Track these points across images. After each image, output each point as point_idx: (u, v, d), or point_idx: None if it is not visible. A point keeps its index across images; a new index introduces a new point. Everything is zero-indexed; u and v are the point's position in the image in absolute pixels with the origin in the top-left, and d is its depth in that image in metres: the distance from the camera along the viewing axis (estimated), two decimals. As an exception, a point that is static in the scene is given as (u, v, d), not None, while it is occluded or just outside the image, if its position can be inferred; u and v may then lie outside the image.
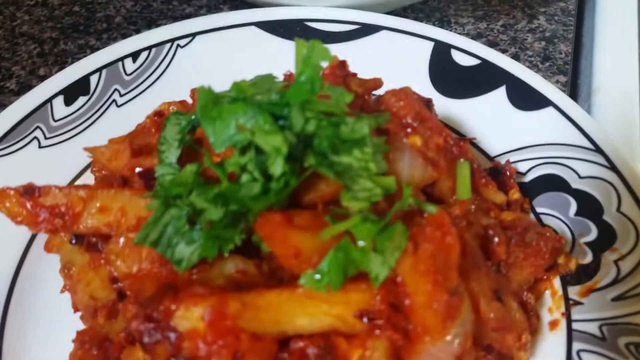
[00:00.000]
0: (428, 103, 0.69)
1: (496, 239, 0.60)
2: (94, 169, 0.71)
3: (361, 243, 0.49)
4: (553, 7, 1.12)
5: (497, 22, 1.10)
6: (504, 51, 1.03)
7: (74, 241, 0.63)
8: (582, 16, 1.15)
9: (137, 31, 1.14)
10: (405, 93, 0.64)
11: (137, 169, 0.63)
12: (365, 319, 0.50)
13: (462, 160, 0.64)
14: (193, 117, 0.61)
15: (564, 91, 0.93)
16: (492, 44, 1.05)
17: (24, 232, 0.77)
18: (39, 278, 0.76)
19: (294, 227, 0.49)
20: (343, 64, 0.68)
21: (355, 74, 0.72)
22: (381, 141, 0.58)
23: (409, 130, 0.61)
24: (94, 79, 0.92)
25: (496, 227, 0.61)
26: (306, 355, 0.50)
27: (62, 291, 0.73)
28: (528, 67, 0.94)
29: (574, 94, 0.99)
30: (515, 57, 1.01)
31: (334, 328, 0.51)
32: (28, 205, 0.60)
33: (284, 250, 0.49)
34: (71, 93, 0.90)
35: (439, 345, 0.50)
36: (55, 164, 0.84)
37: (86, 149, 0.67)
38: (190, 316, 0.48)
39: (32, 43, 1.15)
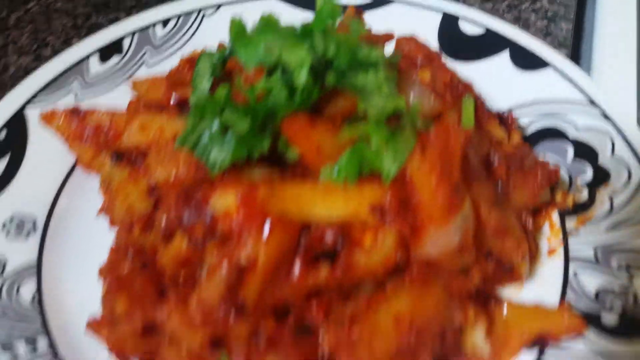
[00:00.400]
0: (437, 54, 0.76)
1: (496, 161, 0.67)
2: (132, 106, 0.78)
3: (375, 144, 0.56)
4: (555, -13, 1.19)
5: (502, 3, 1.17)
6: (508, 27, 1.10)
7: (114, 159, 0.70)
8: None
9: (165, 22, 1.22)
10: (415, 39, 0.71)
11: (174, 99, 0.70)
12: (377, 213, 0.57)
13: (467, 95, 0.70)
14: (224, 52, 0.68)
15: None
16: (497, 22, 1.12)
17: (65, 162, 0.86)
18: (77, 204, 0.83)
19: (316, 126, 0.56)
20: (359, 13, 0.75)
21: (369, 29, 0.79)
22: (393, 74, 0.65)
23: (417, 66, 0.68)
24: (127, 41, 1.00)
25: (496, 152, 0.67)
26: (324, 239, 0.56)
27: (99, 213, 0.80)
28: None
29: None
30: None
31: (349, 220, 0.57)
32: (75, 124, 0.67)
33: (307, 146, 0.56)
34: (106, 52, 0.98)
35: (442, 235, 0.56)
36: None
37: (131, 84, 0.74)
38: (224, 200, 0.54)
39: (66, 17, 1.24)
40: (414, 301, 0.58)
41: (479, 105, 0.72)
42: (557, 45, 1.08)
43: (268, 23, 0.61)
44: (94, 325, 0.65)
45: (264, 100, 0.56)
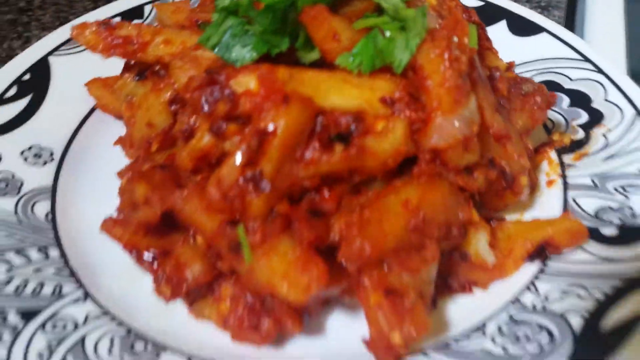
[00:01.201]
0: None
1: (497, 75, 0.71)
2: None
3: (388, 34, 0.60)
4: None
5: (497, -4, 1.25)
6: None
7: (138, 77, 0.74)
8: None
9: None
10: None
11: (197, 21, 0.75)
12: (387, 104, 0.61)
13: (471, 24, 0.75)
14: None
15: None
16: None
17: (84, 105, 0.90)
18: (93, 141, 0.87)
19: (334, 16, 0.61)
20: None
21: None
22: (403, -4, 0.71)
23: (426, -7, 0.74)
24: (147, 8, 1.06)
25: (497, 70, 0.72)
26: (339, 123, 0.59)
27: (115, 144, 0.84)
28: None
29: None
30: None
31: (363, 109, 0.61)
32: (104, 34, 0.72)
33: (324, 33, 0.60)
34: (128, 15, 1.04)
35: (449, 122, 0.60)
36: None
37: (154, 5, 0.79)
38: (247, 79, 0.58)
39: (88, 0, 1.31)
40: (422, 191, 0.61)
41: (481, 34, 0.77)
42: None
43: None
44: (108, 224, 0.67)
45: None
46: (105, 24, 0.73)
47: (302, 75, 0.60)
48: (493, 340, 0.61)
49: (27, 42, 1.20)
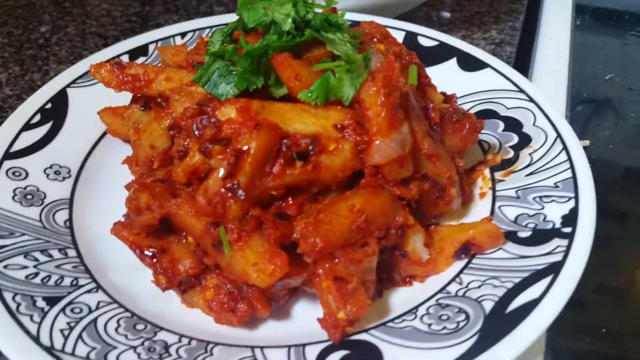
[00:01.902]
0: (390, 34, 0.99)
1: (431, 106, 0.87)
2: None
3: (338, 75, 0.77)
4: (503, 25, 1.46)
5: (457, 34, 1.43)
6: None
7: (143, 108, 0.91)
8: (529, 31, 1.49)
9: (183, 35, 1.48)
10: (375, 22, 0.95)
11: (192, 62, 0.92)
12: (338, 129, 0.77)
13: (412, 64, 0.92)
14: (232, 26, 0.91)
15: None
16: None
17: (96, 131, 1.07)
18: (104, 161, 1.03)
19: (297, 61, 0.77)
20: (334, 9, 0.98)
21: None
22: (356, 42, 0.87)
23: (375, 40, 0.91)
24: (152, 47, 1.23)
25: (432, 102, 0.88)
26: (299, 143, 0.75)
27: (123, 162, 1.00)
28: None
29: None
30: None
31: (319, 133, 0.77)
32: (117, 73, 0.89)
33: (289, 74, 0.76)
34: (134, 53, 1.21)
35: (386, 144, 0.76)
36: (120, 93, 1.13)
37: (158, 48, 0.96)
38: (228, 110, 0.74)
39: (99, 38, 1.49)
40: (366, 199, 0.77)
41: (421, 72, 0.94)
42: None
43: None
44: (117, 227, 0.83)
45: (259, 43, 0.78)
46: (118, 64, 0.90)
47: (272, 107, 0.77)
48: (421, 319, 0.76)
49: (45, 75, 1.37)
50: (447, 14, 1.57)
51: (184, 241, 0.81)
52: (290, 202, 0.77)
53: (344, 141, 0.76)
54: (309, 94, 0.76)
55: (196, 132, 0.76)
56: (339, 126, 0.77)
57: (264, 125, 0.73)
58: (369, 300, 0.73)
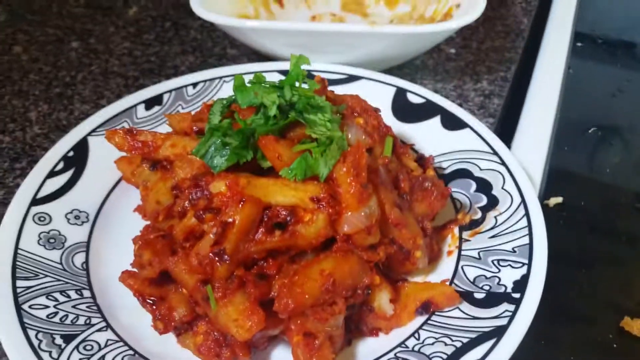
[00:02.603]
0: (376, 110, 1.11)
1: (401, 177, 0.98)
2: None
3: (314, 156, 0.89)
4: (495, 75, 1.55)
5: (450, 84, 1.53)
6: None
7: (151, 168, 1.04)
8: (520, 83, 1.58)
9: (194, 85, 1.61)
10: (357, 96, 1.07)
11: (195, 128, 1.05)
12: (314, 201, 0.89)
13: (388, 136, 1.03)
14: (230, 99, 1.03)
15: (490, 127, 1.34)
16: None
17: (113, 177, 1.20)
18: (119, 206, 1.17)
19: (279, 143, 0.89)
20: (323, 81, 1.10)
21: (332, 91, 1.14)
22: (338, 118, 0.99)
23: (356, 114, 1.02)
24: (166, 96, 1.36)
25: (403, 172, 0.99)
26: (279, 214, 0.87)
27: (134, 210, 1.14)
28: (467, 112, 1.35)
29: (500, 132, 1.38)
30: (459, 105, 1.42)
31: (297, 205, 0.89)
32: (129, 139, 1.02)
33: (272, 154, 0.89)
34: (149, 102, 1.34)
35: (355, 217, 0.87)
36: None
37: (165, 115, 1.10)
38: (219, 184, 0.87)
39: (120, 78, 1.63)
40: (336, 263, 0.89)
41: (396, 142, 1.05)
42: (487, 115, 1.42)
43: (258, 79, 0.97)
44: (124, 276, 0.96)
45: (250, 125, 0.90)
46: (130, 131, 1.03)
47: (256, 182, 0.89)
48: (379, 371, 0.88)
49: (70, 114, 1.51)
50: (449, 51, 1.67)
51: (180, 290, 0.94)
52: (271, 263, 0.89)
53: (318, 212, 0.88)
54: (289, 172, 0.88)
55: (192, 202, 0.89)
56: (315, 199, 0.89)
57: (248, 200, 0.85)
58: (333, 355, 0.85)
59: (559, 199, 1.27)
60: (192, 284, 0.89)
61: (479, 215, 1.09)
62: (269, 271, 0.89)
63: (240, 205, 0.85)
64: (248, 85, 0.97)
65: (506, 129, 1.43)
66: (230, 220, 0.85)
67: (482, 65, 1.61)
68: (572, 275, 1.20)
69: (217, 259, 0.85)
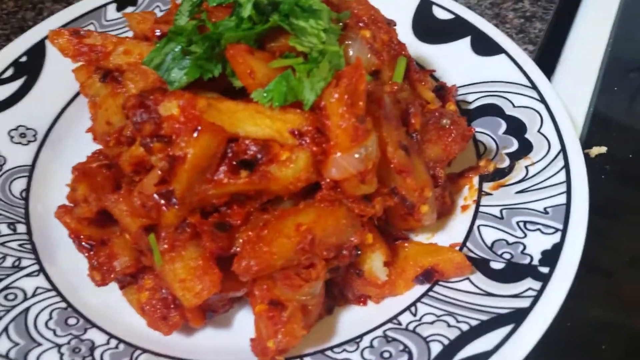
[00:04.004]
0: (390, 22, 0.87)
1: (412, 110, 0.77)
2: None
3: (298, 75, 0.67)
4: (539, -5, 1.28)
5: (485, 0, 1.27)
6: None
7: (102, 80, 0.84)
8: (567, 6, 1.31)
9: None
10: (366, 1, 0.83)
11: (157, 32, 0.83)
12: (295, 136, 0.68)
13: (401, 56, 0.81)
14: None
15: (531, 57, 1.09)
16: (477, 16, 1.22)
17: (70, 90, 1.00)
18: (73, 125, 0.98)
19: (254, 55, 0.68)
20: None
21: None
22: (337, 28, 0.76)
23: (361, 25, 0.79)
24: (141, -6, 1.14)
25: (415, 105, 0.78)
26: (247, 150, 0.67)
27: (87, 131, 0.94)
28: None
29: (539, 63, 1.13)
30: (495, 27, 1.17)
31: (273, 138, 0.68)
32: (74, 41, 0.81)
33: (243, 69, 0.67)
34: (122, 2, 1.12)
35: (346, 159, 0.67)
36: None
37: (124, 14, 0.88)
38: (170, 105, 0.66)
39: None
40: (318, 216, 0.69)
41: (411, 65, 0.82)
42: (527, 41, 1.17)
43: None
44: (61, 212, 0.78)
45: (216, 27, 0.69)
46: (76, 32, 0.82)
47: (220, 105, 0.68)
48: (362, 353, 0.70)
49: (39, 15, 1.30)
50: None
51: (125, 236, 0.76)
52: (236, 210, 0.70)
53: (299, 150, 0.68)
54: (264, 95, 0.67)
55: (135, 126, 0.69)
56: (296, 132, 0.68)
57: (206, 129, 0.65)
58: (303, 331, 0.67)
59: (603, 149, 1.04)
60: (135, 230, 0.71)
61: (506, 163, 0.87)
62: (232, 220, 0.70)
63: (195, 135, 0.65)
64: (221, -23, 0.74)
65: (547, 60, 1.17)
66: (181, 153, 0.65)
67: (527, -19, 1.33)
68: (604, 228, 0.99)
69: (163, 201, 0.66)
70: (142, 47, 0.81)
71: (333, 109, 0.66)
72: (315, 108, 0.69)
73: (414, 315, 0.73)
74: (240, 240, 0.69)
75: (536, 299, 0.69)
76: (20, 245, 0.81)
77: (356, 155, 0.67)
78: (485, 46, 1.01)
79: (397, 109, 0.76)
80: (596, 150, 1.01)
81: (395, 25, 0.89)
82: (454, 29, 1.05)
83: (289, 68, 0.68)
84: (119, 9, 1.12)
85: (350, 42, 0.78)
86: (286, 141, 0.69)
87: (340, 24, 0.79)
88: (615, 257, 0.92)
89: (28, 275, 0.78)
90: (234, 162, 0.67)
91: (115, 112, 0.82)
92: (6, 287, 0.75)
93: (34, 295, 0.76)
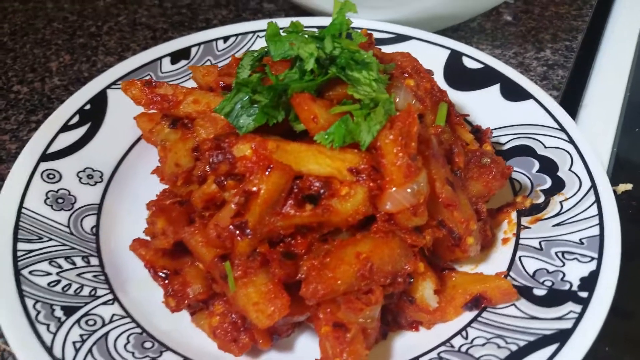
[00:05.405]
0: (429, 71, 0.96)
1: (456, 150, 0.84)
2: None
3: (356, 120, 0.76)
4: (560, 44, 1.38)
5: (510, 50, 1.36)
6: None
7: (171, 126, 0.93)
8: (586, 54, 1.40)
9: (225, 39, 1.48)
10: (408, 54, 0.92)
11: (221, 84, 0.92)
12: (353, 173, 0.76)
13: (443, 102, 0.89)
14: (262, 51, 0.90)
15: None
16: (502, 66, 1.31)
17: (132, 135, 1.09)
18: (136, 166, 1.06)
19: (316, 102, 0.76)
20: (370, 36, 0.96)
21: (379, 48, 1.00)
22: (385, 79, 0.85)
23: (406, 75, 0.88)
24: (194, 49, 1.24)
25: (458, 145, 0.85)
26: (311, 186, 0.75)
27: (152, 172, 1.03)
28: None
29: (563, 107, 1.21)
30: (520, 74, 1.26)
31: (333, 175, 0.76)
32: (147, 92, 0.91)
33: (307, 115, 0.76)
34: (176, 55, 1.22)
35: (400, 193, 0.74)
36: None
37: (189, 67, 0.98)
38: (243, 147, 0.75)
39: (148, 30, 1.51)
40: (375, 245, 0.76)
41: (451, 110, 0.90)
42: (551, 87, 1.25)
43: (295, 27, 0.83)
44: (136, 245, 0.86)
45: (282, 80, 0.78)
46: (149, 83, 0.92)
47: (287, 146, 0.77)
48: (419, 373, 0.75)
49: (93, 66, 1.41)
50: (507, 18, 1.50)
51: (196, 265, 0.83)
52: (299, 240, 0.77)
53: (357, 186, 0.75)
54: (326, 137, 0.76)
55: (212, 166, 0.77)
56: (354, 170, 0.76)
57: (276, 167, 0.73)
58: (366, 351, 0.73)
59: (629, 186, 1.10)
60: (209, 259, 0.78)
61: (541, 199, 0.94)
62: (296, 250, 0.77)
63: (266, 173, 0.73)
64: (283, 35, 0.84)
65: (570, 104, 1.26)
66: (255, 189, 0.73)
67: (546, 33, 1.43)
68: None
69: (238, 232, 0.74)
70: (209, 97, 0.90)
71: (388, 148, 0.74)
72: (370, 148, 0.77)
73: (465, 338, 0.78)
74: (305, 268, 0.76)
75: (578, 320, 0.75)
76: (94, 276, 0.88)
77: (409, 190, 0.75)
78: (514, 92, 1.10)
79: (442, 149, 0.84)
80: (622, 187, 1.08)
81: (433, 74, 0.98)
82: (483, 77, 1.14)
83: (347, 114, 0.77)
84: (173, 62, 1.22)
85: (396, 90, 0.86)
86: (345, 178, 0.76)
87: (387, 74, 0.88)
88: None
89: (104, 303, 0.84)
90: (300, 197, 0.75)
91: (185, 154, 0.90)
92: (86, 314, 0.82)
93: (111, 321, 0.82)
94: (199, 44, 1.25)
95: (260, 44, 1.27)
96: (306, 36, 0.82)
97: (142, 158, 1.08)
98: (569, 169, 0.96)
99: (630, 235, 0.97)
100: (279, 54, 0.81)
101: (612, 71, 1.34)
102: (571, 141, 0.99)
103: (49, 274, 0.86)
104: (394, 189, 0.74)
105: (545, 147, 1.00)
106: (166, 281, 0.83)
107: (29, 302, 0.81)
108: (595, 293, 0.77)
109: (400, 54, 0.93)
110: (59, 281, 0.86)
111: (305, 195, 0.75)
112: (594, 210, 0.88)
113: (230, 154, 0.76)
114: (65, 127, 1.07)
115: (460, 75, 1.16)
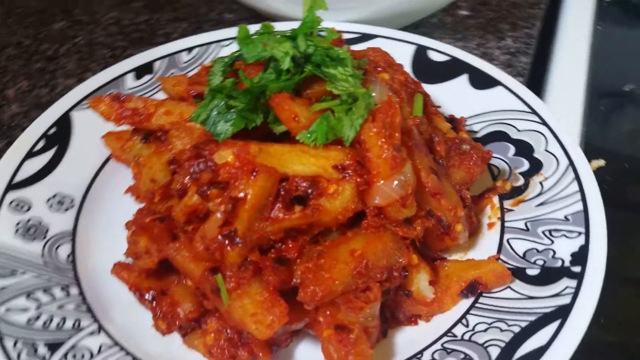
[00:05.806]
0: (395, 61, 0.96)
1: (436, 139, 0.84)
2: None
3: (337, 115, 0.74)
4: (519, 32, 1.41)
5: (471, 42, 1.38)
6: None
7: (144, 140, 0.89)
8: (546, 39, 1.44)
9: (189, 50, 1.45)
10: (380, 49, 0.92)
11: (192, 92, 0.90)
12: (338, 170, 0.74)
13: (418, 93, 0.89)
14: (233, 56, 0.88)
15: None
16: (465, 57, 1.32)
17: (100, 155, 1.05)
18: (107, 188, 1.02)
19: (295, 101, 0.75)
20: (340, 37, 0.95)
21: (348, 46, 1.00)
22: (359, 74, 0.84)
23: (379, 69, 0.88)
24: (157, 63, 1.21)
25: (438, 134, 0.85)
26: (298, 187, 0.73)
27: (125, 192, 0.99)
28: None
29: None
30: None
31: (318, 174, 0.75)
32: (116, 106, 0.87)
33: (287, 115, 0.74)
34: (140, 71, 1.19)
35: (388, 186, 0.73)
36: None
37: (158, 78, 0.95)
38: (225, 154, 0.73)
39: (106, 49, 1.47)
40: (367, 241, 0.75)
41: (427, 100, 0.91)
42: (515, 74, 1.28)
43: (266, 28, 0.82)
44: (117, 268, 0.82)
45: (258, 83, 0.76)
46: (117, 97, 0.89)
47: (269, 149, 0.75)
48: (426, 366, 0.74)
49: (53, 90, 1.37)
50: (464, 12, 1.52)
51: (184, 282, 0.80)
52: (290, 245, 0.75)
53: (344, 183, 0.74)
54: (308, 135, 0.74)
55: (193, 176, 0.74)
56: (339, 167, 0.75)
57: (261, 171, 0.71)
58: (371, 350, 0.71)
59: (601, 162, 1.13)
60: (199, 274, 0.75)
61: (520, 181, 0.95)
62: (288, 255, 0.75)
63: (252, 177, 0.71)
64: (255, 37, 0.82)
65: (535, 88, 1.28)
66: (241, 195, 0.71)
67: (505, 22, 1.46)
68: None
69: (227, 242, 0.71)
70: (181, 106, 0.88)
71: (372, 141, 0.73)
72: (354, 143, 0.76)
73: (467, 326, 0.78)
74: (299, 272, 0.74)
75: (575, 294, 0.75)
76: (76, 307, 0.84)
77: (396, 182, 0.74)
78: (482, 81, 1.11)
79: (423, 139, 0.83)
80: (595, 164, 1.10)
81: (403, 68, 0.98)
82: (451, 69, 1.15)
83: (328, 110, 0.76)
84: (137, 77, 1.18)
85: (372, 84, 0.86)
86: (331, 176, 0.75)
87: (361, 70, 0.87)
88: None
89: (90, 334, 0.80)
90: (288, 199, 0.73)
91: (160, 169, 0.87)
92: (72, 347, 0.77)
93: (99, 352, 0.78)
94: (162, 57, 1.22)
95: (225, 53, 1.24)
96: (279, 36, 0.80)
97: (113, 178, 1.04)
98: (545, 150, 0.97)
99: (608, 211, 0.99)
100: (253, 56, 0.80)
101: (572, 54, 1.37)
102: (543, 122, 1.00)
103: (27, 309, 0.81)
104: (382, 182, 0.74)
105: (519, 130, 1.01)
106: (154, 303, 0.80)
107: (8, 343, 0.76)
108: (588, 266, 0.78)
109: (372, 49, 0.93)
110: (38, 316, 0.81)
111: (293, 197, 0.74)
112: (574, 186, 0.89)
113: (212, 162, 0.73)
114: (31, 154, 1.02)
115: (428, 69, 1.16)
